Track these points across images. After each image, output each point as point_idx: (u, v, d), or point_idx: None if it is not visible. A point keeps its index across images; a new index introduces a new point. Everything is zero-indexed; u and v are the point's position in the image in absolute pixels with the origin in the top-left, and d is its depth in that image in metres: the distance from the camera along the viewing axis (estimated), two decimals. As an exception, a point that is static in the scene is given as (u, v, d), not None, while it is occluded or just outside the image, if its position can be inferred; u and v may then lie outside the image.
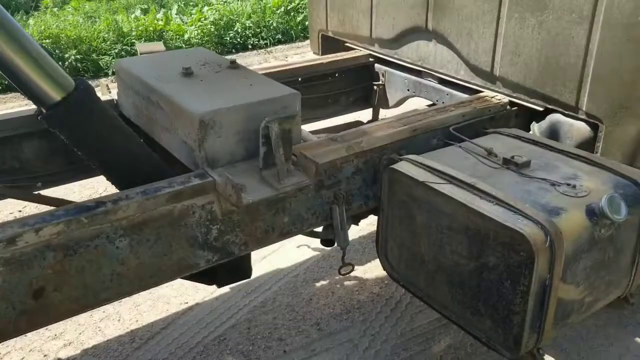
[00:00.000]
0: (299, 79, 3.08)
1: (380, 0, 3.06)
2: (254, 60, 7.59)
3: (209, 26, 7.80)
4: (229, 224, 1.86)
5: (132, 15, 8.07)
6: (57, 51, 6.48)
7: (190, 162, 1.96)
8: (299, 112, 2.06)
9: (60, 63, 6.46)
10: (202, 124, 1.84)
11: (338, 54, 3.33)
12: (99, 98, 1.84)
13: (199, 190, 1.78)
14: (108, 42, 6.97)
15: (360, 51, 3.31)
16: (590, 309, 1.92)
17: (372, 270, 3.05)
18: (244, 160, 1.96)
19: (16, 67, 1.58)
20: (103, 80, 5.51)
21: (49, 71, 1.65)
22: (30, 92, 1.65)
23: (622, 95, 2.13)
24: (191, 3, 9.39)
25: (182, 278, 1.90)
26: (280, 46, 8.17)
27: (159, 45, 2.60)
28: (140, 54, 2.57)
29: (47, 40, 6.43)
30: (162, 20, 7.82)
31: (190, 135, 1.90)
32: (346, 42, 3.42)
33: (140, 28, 7.34)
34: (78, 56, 6.57)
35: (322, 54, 3.59)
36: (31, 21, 7.41)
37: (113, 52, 6.90)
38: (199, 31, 7.69)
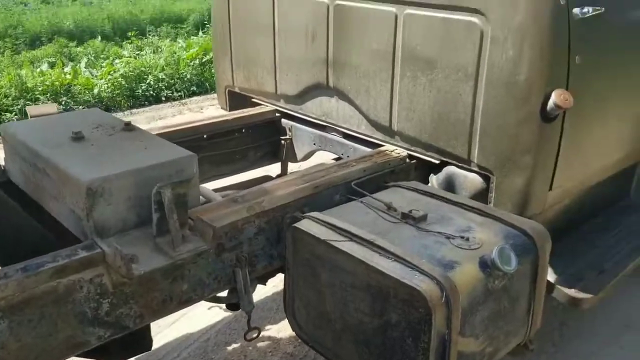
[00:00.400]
0: (204, 136, 3.04)
1: (284, 58, 3.11)
2: (168, 113, 7.49)
3: (120, 79, 7.64)
4: (122, 297, 1.76)
5: (38, 70, 7.78)
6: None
7: (79, 232, 1.86)
8: (196, 174, 2.02)
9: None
10: (89, 192, 1.75)
11: (244, 110, 3.33)
12: None
13: (86, 263, 1.68)
14: (10, 98, 6.66)
15: (266, 107, 3.33)
16: (492, 359, 1.95)
17: (286, 329, 2.98)
18: (137, 227, 1.88)
19: None
20: None
21: None
22: None
23: (508, 148, 2.25)
24: (102, 56, 9.21)
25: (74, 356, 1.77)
26: (195, 97, 8.12)
27: (51, 107, 2.49)
28: (31, 117, 2.45)
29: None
30: (69, 74, 7.59)
31: (78, 204, 1.80)
32: (253, 98, 3.44)
33: (46, 83, 7.08)
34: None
35: (230, 109, 3.58)
36: None
37: (16, 108, 6.59)
38: (109, 85, 7.52)
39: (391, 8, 2.50)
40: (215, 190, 2.87)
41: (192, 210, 1.96)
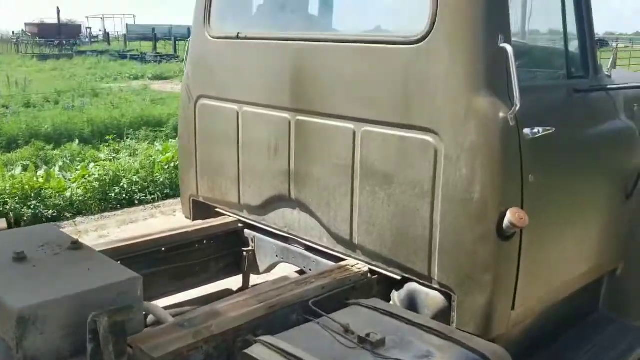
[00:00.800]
0: (163, 249, 2.96)
1: (247, 170, 3.11)
2: (140, 216, 7.40)
3: (94, 183, 7.60)
4: None
5: (9, 173, 7.73)
6: None
7: (7, 364, 1.72)
8: (141, 297, 1.92)
9: None
10: (20, 320, 1.64)
11: (206, 220, 3.28)
12: None
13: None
14: (-24, 202, 6.55)
15: (229, 217, 3.28)
16: None
17: None
18: (72, 357, 1.75)
19: None
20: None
21: None
22: None
23: (467, 266, 2.20)
24: (78, 159, 9.23)
25: None
26: (168, 200, 8.07)
27: (0, 223, 2.41)
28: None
29: None
30: (42, 177, 7.54)
31: (8, 333, 1.68)
32: (217, 208, 3.40)
33: (16, 186, 7.00)
34: (-62, 218, 6.07)
35: (194, 219, 3.53)
36: None
37: (-18, 212, 6.46)
38: (82, 188, 7.46)
39: (349, 125, 2.54)
40: (172, 306, 2.75)
41: (133, 337, 1.84)
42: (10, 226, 4.78)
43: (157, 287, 2.90)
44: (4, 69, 28.55)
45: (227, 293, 2.98)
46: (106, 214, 7.45)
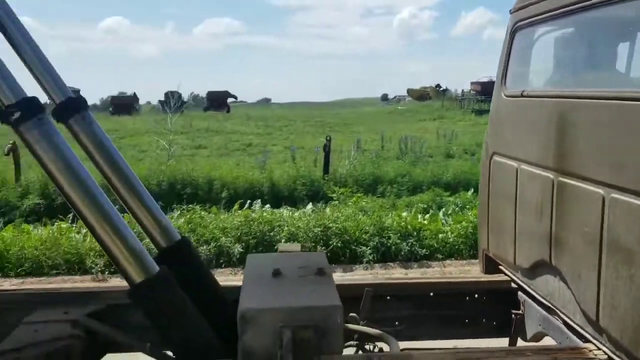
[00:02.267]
0: (431, 294, 3.15)
1: (521, 228, 3.02)
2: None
3: (469, 228, 8.09)
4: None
5: (404, 213, 8.93)
6: (324, 238, 7.63)
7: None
8: (340, 324, 2.23)
9: (324, 248, 7.57)
10: (242, 319, 2.20)
11: (482, 275, 3.30)
12: (174, 284, 2.38)
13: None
14: (368, 235, 7.88)
15: (503, 276, 3.21)
16: None
17: None
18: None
19: (107, 248, 2.25)
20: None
21: (132, 252, 2.26)
22: (118, 268, 2.30)
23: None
24: (467, 206, 9.90)
25: None
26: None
27: (296, 246, 3.11)
28: (279, 252, 3.11)
29: (318, 229, 7.67)
30: (426, 219, 8.49)
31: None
32: (499, 265, 3.36)
33: (401, 224, 8.11)
34: (339, 244, 7.60)
35: (485, 272, 3.57)
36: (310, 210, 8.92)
37: (371, 243, 7.75)
38: (455, 233, 8.03)
39: (599, 190, 2.25)
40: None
41: (326, 357, 2.17)
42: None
43: (423, 328, 3.12)
44: (446, 122, 32.44)
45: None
46: (473, 260, 7.81)
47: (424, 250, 7.76)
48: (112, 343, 2.72)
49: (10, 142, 11.05)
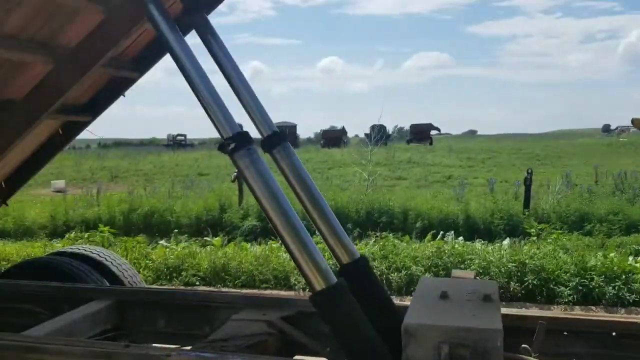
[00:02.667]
0: (614, 333, 2.99)
1: None
2: None
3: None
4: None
5: (614, 254, 8.16)
6: (519, 274, 7.38)
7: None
8: (499, 348, 2.31)
9: (518, 284, 7.30)
10: (405, 332, 2.42)
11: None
12: (348, 294, 2.68)
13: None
14: (568, 274, 7.40)
15: None
16: None
17: None
18: (441, 372, 2.37)
19: (296, 259, 2.63)
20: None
21: (316, 265, 2.61)
22: (304, 276, 2.67)
23: None
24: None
25: None
26: None
27: (470, 274, 3.21)
28: (452, 277, 3.25)
29: (512, 264, 7.43)
30: (637, 262, 7.68)
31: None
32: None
33: (606, 265, 7.46)
34: (535, 282, 7.28)
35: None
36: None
37: (571, 284, 7.27)
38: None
39: None
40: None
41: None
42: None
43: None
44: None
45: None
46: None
47: (634, 295, 7.04)
48: (300, 345, 3.14)
49: (236, 170, 12.77)
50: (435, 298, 2.74)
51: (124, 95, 4.51)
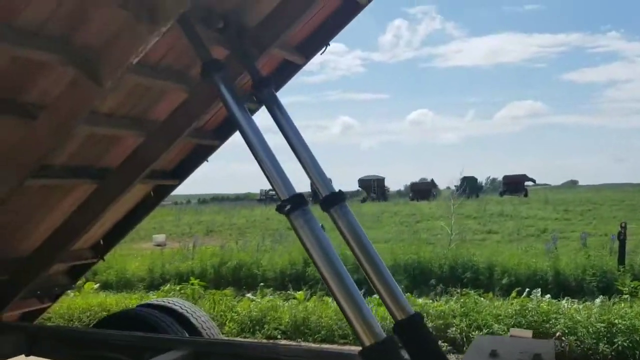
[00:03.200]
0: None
1: None
2: None
3: None
4: None
5: None
6: (608, 335, 6.97)
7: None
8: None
9: (607, 345, 6.89)
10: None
11: None
12: (397, 351, 2.77)
13: None
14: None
15: None
16: None
17: None
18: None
19: (346, 314, 2.79)
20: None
21: (365, 321, 2.75)
22: (353, 331, 2.81)
23: None
24: None
25: None
26: None
27: (527, 332, 3.21)
28: (510, 335, 3.25)
29: (601, 324, 7.03)
30: None
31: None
32: None
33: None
34: (626, 343, 6.84)
35: None
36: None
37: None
38: None
39: None
40: None
41: None
42: None
43: None
44: None
45: None
46: None
47: None
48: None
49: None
50: (485, 356, 2.80)
51: (207, 161, 4.97)
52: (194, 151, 4.83)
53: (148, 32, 2.61)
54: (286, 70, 4.47)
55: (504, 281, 10.56)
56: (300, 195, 3.00)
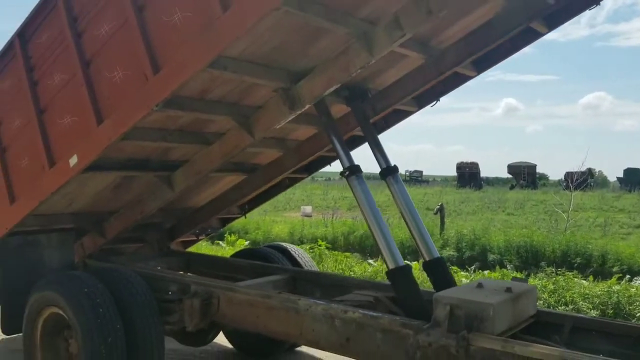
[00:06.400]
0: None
1: None
2: None
3: None
4: None
5: None
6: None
7: None
8: (491, 317, 3.41)
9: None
10: (435, 300, 3.70)
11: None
12: (409, 275, 4.02)
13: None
14: None
15: None
16: None
17: None
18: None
19: (379, 246, 4.10)
20: None
21: (391, 251, 4.05)
22: (382, 257, 4.12)
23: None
24: None
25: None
26: None
27: (526, 282, 4.21)
28: (511, 281, 4.27)
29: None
30: None
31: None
32: None
33: None
34: None
35: None
36: None
37: None
38: None
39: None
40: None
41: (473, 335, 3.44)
42: None
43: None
44: None
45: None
46: None
47: None
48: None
49: (439, 204, 14.15)
50: (473, 287, 3.95)
51: (330, 165, 6.29)
52: (320, 161, 6.17)
53: (288, 113, 4.11)
54: (399, 115, 5.47)
55: (615, 269, 10.76)
56: (357, 166, 4.35)
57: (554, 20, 4.22)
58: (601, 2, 3.98)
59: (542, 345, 3.30)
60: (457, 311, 3.48)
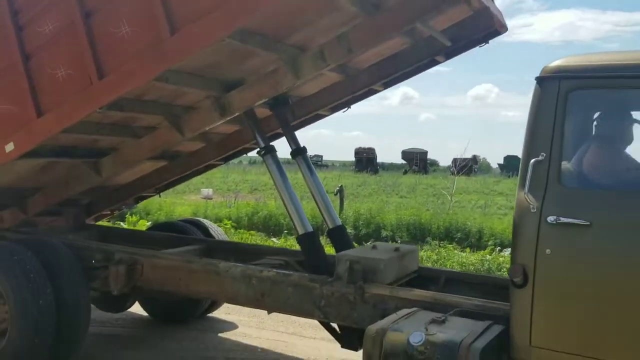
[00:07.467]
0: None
1: None
2: None
3: None
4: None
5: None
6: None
7: None
8: (382, 270, 4.21)
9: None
10: (337, 258, 4.43)
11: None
12: (315, 239, 4.75)
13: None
14: None
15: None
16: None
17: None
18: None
19: (289, 214, 4.75)
20: None
21: (300, 219, 4.71)
22: (293, 224, 4.78)
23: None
24: None
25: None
26: None
27: (413, 247, 5.07)
28: (400, 246, 5.12)
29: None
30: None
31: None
32: None
33: None
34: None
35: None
36: None
37: None
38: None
39: None
40: None
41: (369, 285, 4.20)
42: None
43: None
44: None
45: None
46: None
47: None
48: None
49: (338, 186, 15.08)
50: (368, 248, 4.73)
51: (246, 154, 6.89)
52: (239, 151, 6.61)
53: (218, 118, 4.58)
54: (315, 117, 5.95)
55: (490, 242, 12.24)
56: (272, 147, 4.97)
57: (451, 54, 5.06)
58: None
59: (420, 290, 4.13)
60: (355, 266, 4.23)
